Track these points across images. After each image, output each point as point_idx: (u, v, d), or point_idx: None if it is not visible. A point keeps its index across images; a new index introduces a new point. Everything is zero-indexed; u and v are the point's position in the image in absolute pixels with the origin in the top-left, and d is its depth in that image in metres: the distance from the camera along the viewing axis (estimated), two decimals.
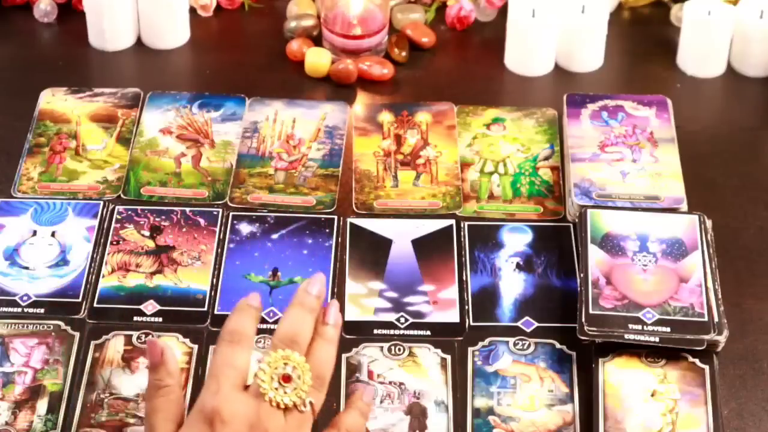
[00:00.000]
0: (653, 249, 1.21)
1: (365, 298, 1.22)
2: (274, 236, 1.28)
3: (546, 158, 1.36)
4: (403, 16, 1.53)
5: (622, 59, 1.50)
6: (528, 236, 1.28)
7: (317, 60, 1.47)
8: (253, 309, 1.04)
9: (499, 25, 1.51)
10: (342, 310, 1.21)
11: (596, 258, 1.21)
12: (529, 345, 1.18)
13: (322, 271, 1.23)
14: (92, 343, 1.18)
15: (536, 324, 1.20)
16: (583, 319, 1.15)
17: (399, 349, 1.18)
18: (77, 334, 1.18)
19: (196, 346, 1.18)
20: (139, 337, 1.18)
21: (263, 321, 1.19)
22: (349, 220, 1.30)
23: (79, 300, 1.22)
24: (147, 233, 1.28)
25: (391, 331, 1.20)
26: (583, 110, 1.38)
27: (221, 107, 1.42)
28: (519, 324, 1.20)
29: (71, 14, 1.55)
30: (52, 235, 1.28)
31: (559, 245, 1.27)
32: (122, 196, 1.32)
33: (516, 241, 1.27)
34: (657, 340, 1.14)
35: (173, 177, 1.34)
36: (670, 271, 1.19)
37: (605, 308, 1.16)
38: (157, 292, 1.23)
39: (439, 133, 1.39)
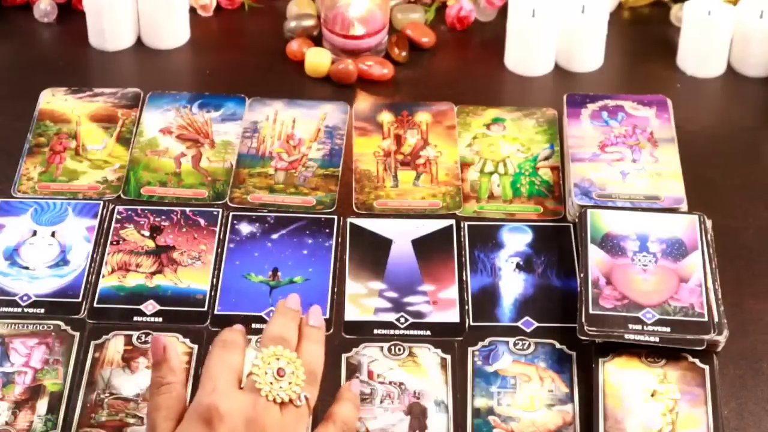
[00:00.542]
0: (653, 249, 1.21)
1: (365, 298, 1.22)
2: (274, 236, 1.28)
3: (546, 158, 1.36)
4: (403, 16, 1.53)
5: (622, 59, 1.50)
6: (528, 236, 1.28)
7: (317, 60, 1.47)
8: (239, 333, 1.07)
9: (499, 25, 1.51)
10: (342, 310, 1.21)
11: (596, 258, 1.21)
12: (529, 345, 1.18)
13: (322, 271, 1.24)
14: (92, 343, 1.18)
15: (536, 324, 1.20)
16: (583, 319, 1.15)
17: (399, 349, 1.18)
18: (77, 334, 1.18)
19: (196, 346, 1.18)
20: (139, 337, 1.18)
21: (262, 321, 1.20)
22: (349, 220, 1.30)
23: (79, 300, 1.22)
24: (147, 233, 1.28)
25: (391, 331, 1.20)
26: (583, 110, 1.38)
27: (221, 107, 1.42)
28: (519, 324, 1.20)
29: (71, 14, 1.55)
30: (52, 235, 1.28)
31: (559, 245, 1.27)
32: (122, 196, 1.32)
33: (516, 241, 1.27)
34: (657, 340, 1.14)
35: (173, 177, 1.34)
36: (670, 271, 1.19)
37: (605, 308, 1.16)
38: (157, 292, 1.23)
39: (439, 133, 1.39)
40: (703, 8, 1.45)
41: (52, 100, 1.43)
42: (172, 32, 1.51)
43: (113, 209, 1.30)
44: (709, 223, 1.24)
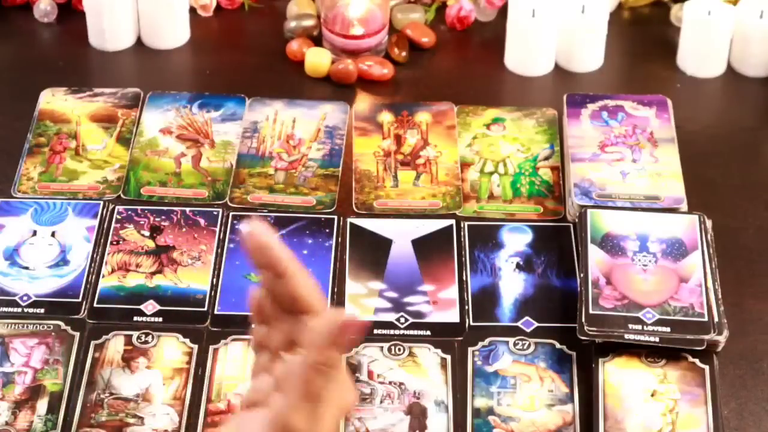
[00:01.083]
0: (653, 249, 1.21)
1: (365, 298, 1.22)
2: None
3: (546, 158, 1.36)
4: (403, 16, 1.53)
5: (622, 59, 1.50)
6: (528, 236, 1.28)
7: (317, 60, 1.47)
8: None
9: (499, 25, 1.51)
10: (342, 310, 1.21)
11: (596, 258, 1.21)
12: (529, 345, 1.18)
13: (323, 271, 1.24)
14: (92, 343, 1.18)
15: (536, 324, 1.20)
16: (583, 319, 1.15)
17: (399, 349, 1.18)
18: (77, 334, 1.18)
19: (196, 346, 1.18)
20: (139, 337, 1.18)
21: None
22: (349, 220, 1.30)
23: (79, 300, 1.22)
24: (147, 233, 1.28)
25: (391, 331, 1.20)
26: (583, 110, 1.38)
27: (221, 107, 1.42)
28: (519, 324, 1.20)
29: (71, 14, 1.55)
30: (52, 235, 1.28)
31: (559, 245, 1.27)
32: (122, 196, 1.32)
33: (516, 241, 1.27)
34: (657, 340, 1.14)
35: (173, 177, 1.34)
36: (670, 271, 1.19)
37: (605, 308, 1.16)
38: (157, 292, 1.23)
39: (439, 133, 1.39)
40: (703, 8, 1.45)
41: (52, 100, 1.43)
42: (172, 32, 1.51)
43: (113, 209, 1.30)
44: (709, 223, 1.24)
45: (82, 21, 1.51)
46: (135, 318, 1.20)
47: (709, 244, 1.22)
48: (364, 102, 1.44)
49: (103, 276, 1.24)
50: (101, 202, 1.31)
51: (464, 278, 1.24)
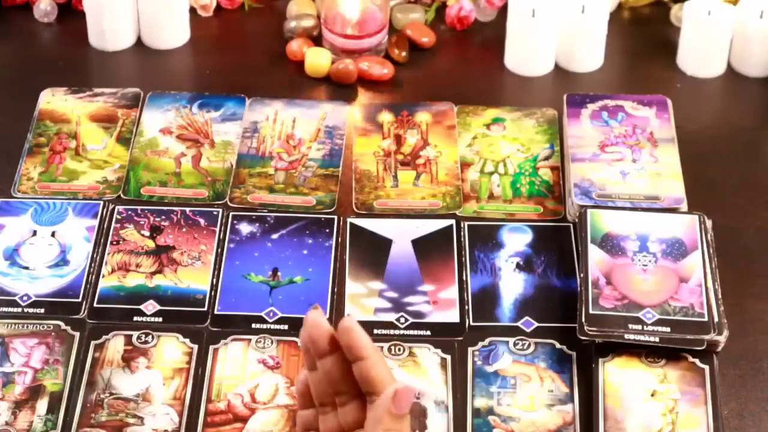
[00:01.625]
0: (653, 249, 1.21)
1: (365, 298, 1.22)
2: (274, 236, 1.28)
3: (546, 158, 1.36)
4: (403, 16, 1.53)
5: (622, 59, 1.50)
6: (528, 236, 1.28)
7: (317, 60, 1.47)
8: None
9: (499, 25, 1.51)
10: (342, 310, 1.21)
11: (596, 258, 1.21)
12: (529, 345, 1.18)
13: (323, 271, 1.24)
14: (92, 343, 1.18)
15: (536, 324, 1.20)
16: (583, 319, 1.15)
17: (399, 349, 1.18)
18: (77, 334, 1.18)
19: (196, 346, 1.18)
20: (139, 337, 1.18)
21: (262, 321, 1.20)
22: (349, 220, 1.30)
23: (79, 300, 1.22)
24: (147, 233, 1.28)
25: (391, 331, 1.20)
26: (583, 110, 1.38)
27: (221, 107, 1.42)
28: (519, 324, 1.20)
29: (71, 14, 1.55)
30: (52, 235, 1.28)
31: (559, 245, 1.27)
32: (122, 196, 1.32)
33: (516, 241, 1.27)
34: (657, 340, 1.14)
35: (173, 177, 1.34)
36: (670, 271, 1.19)
37: (605, 308, 1.16)
38: (157, 292, 1.23)
39: (439, 133, 1.39)
40: (703, 8, 1.45)
41: (52, 100, 1.43)
42: (172, 32, 1.51)
43: (113, 209, 1.30)
44: (709, 223, 1.24)
45: (82, 21, 1.51)
46: (135, 318, 1.20)
47: (709, 244, 1.22)
48: (364, 102, 1.44)
49: (103, 276, 1.24)
50: (101, 202, 1.31)
51: (464, 278, 1.24)
